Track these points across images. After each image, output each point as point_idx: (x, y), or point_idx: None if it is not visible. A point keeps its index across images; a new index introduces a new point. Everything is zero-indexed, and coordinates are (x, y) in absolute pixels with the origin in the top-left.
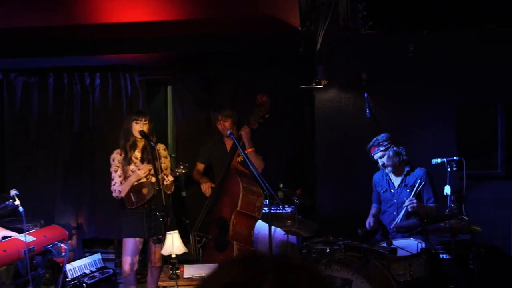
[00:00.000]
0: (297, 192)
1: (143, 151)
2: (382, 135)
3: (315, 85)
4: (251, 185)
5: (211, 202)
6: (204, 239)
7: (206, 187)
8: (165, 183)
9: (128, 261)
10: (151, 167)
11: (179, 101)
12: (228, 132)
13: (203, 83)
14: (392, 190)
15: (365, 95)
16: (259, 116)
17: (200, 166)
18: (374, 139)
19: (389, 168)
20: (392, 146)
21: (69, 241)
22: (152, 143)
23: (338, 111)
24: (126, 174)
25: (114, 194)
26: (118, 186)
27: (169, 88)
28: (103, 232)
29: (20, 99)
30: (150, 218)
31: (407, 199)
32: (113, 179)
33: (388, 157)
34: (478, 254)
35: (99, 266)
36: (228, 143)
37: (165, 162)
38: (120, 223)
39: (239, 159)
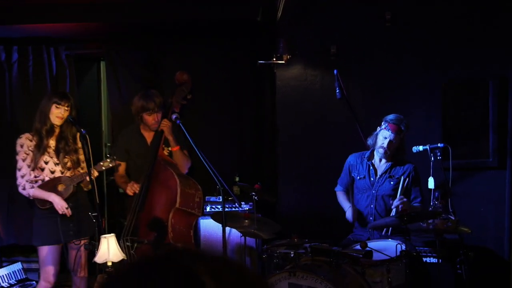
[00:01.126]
0: (255, 187)
1: (59, 140)
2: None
3: (276, 60)
4: (185, 178)
5: (141, 200)
6: (136, 244)
7: (131, 187)
8: (87, 178)
9: (51, 272)
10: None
11: (115, 80)
12: (174, 116)
13: (143, 58)
14: (372, 179)
15: (335, 72)
16: (181, 97)
17: (122, 166)
18: (398, 116)
19: (385, 154)
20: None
21: None
22: (82, 130)
23: (303, 91)
24: (37, 165)
25: (20, 189)
26: (30, 187)
27: (102, 65)
28: (23, 237)
29: None
30: (69, 219)
31: (388, 195)
32: (19, 169)
33: (397, 143)
34: (466, 258)
35: (19, 278)
36: (148, 135)
37: (82, 154)
38: (31, 227)
39: (166, 151)
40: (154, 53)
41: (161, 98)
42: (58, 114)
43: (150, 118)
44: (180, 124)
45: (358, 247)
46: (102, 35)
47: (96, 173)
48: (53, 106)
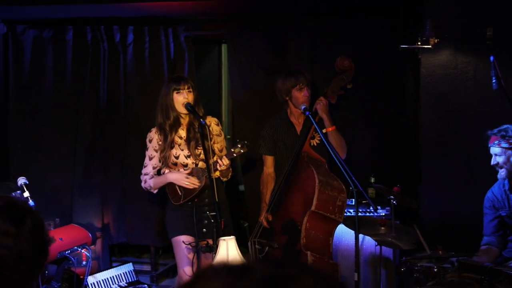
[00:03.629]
0: (394, 190)
1: (188, 129)
2: None
3: (421, 44)
4: (329, 177)
5: (276, 200)
6: (266, 248)
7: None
8: (219, 167)
9: (188, 272)
10: (198, 182)
11: (238, 65)
12: (303, 107)
13: (270, 41)
14: None
15: (491, 58)
16: (339, 87)
17: (270, 160)
18: (504, 126)
19: (503, 172)
20: None
21: (92, 247)
22: (202, 120)
23: (452, 80)
24: (168, 161)
25: (143, 185)
26: (150, 178)
27: (223, 48)
28: (135, 236)
29: (29, 60)
30: (202, 216)
31: None
32: (145, 166)
33: (508, 158)
34: None
35: (130, 280)
36: (298, 123)
37: (220, 142)
38: (165, 222)
39: (313, 142)
40: (282, 35)
41: (309, 76)
42: (182, 100)
43: (301, 94)
44: (310, 116)
45: None
46: (224, 14)
47: (227, 161)
48: (174, 94)
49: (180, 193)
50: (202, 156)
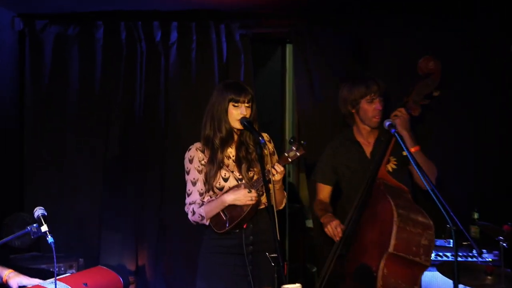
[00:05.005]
0: (504, 228)
1: (238, 147)
2: None
3: None
4: (412, 210)
5: (345, 239)
6: None
7: (334, 228)
8: (272, 177)
9: None
10: (254, 195)
11: (306, 70)
12: (387, 123)
13: (346, 42)
14: None
15: None
16: (423, 95)
17: (325, 191)
18: None
19: None
20: None
21: None
22: (261, 138)
23: None
24: (214, 183)
25: (190, 217)
26: (199, 207)
27: (288, 48)
28: (176, 281)
29: (50, 63)
30: (247, 258)
31: None
32: (189, 194)
33: None
34: None
35: None
36: (368, 143)
37: (272, 161)
38: (198, 263)
39: (388, 166)
40: (359, 34)
41: (382, 84)
42: (238, 116)
43: (371, 107)
44: (396, 135)
45: None
46: (289, 7)
47: (280, 168)
48: (230, 106)
49: (225, 218)
50: (255, 179)
